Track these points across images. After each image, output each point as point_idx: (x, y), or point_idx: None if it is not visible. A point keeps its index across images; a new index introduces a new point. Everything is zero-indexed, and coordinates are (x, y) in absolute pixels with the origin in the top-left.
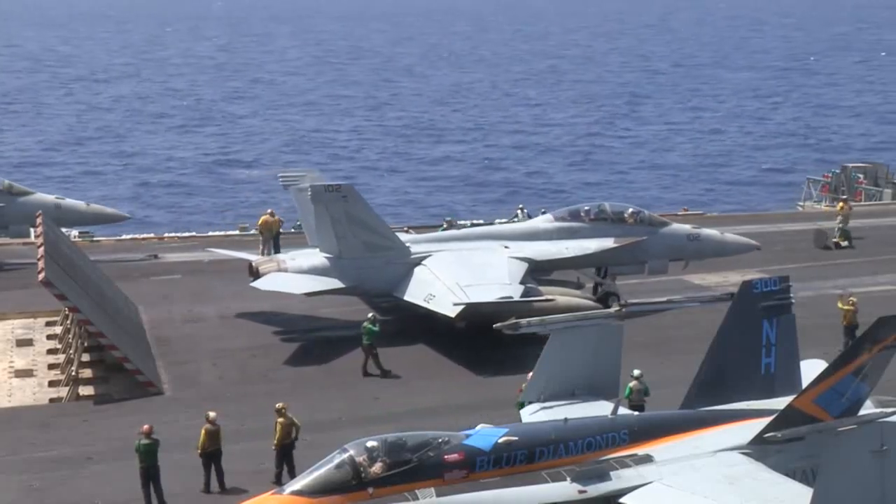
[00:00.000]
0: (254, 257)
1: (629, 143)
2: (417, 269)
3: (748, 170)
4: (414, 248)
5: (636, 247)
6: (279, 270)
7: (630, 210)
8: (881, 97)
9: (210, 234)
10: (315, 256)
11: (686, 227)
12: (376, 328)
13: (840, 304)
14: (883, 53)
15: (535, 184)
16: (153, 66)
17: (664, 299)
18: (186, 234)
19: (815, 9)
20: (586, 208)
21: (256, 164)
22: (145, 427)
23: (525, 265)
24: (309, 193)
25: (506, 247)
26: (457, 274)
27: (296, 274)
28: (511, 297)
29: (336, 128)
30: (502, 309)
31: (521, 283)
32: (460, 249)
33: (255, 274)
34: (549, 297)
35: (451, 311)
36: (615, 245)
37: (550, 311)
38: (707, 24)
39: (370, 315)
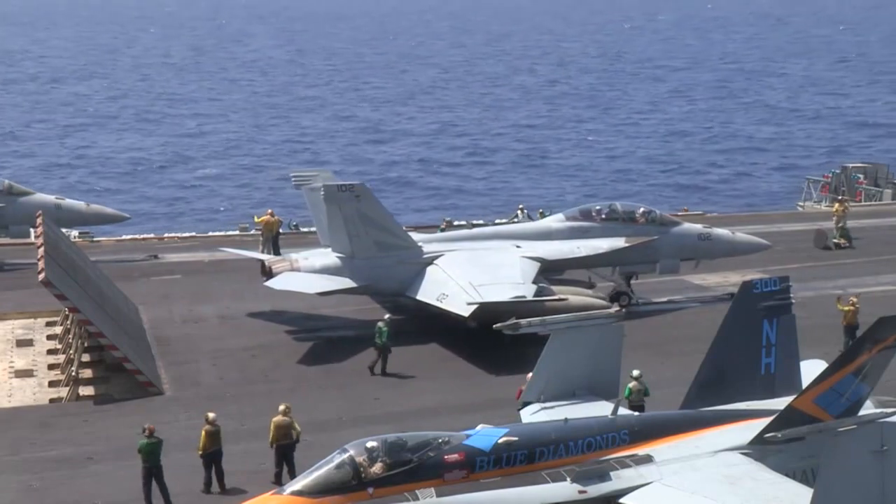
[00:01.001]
0: (267, 257)
1: (587, 144)
2: (430, 269)
3: (702, 173)
4: (426, 248)
5: (647, 246)
6: (292, 270)
7: (641, 210)
8: (850, 100)
9: (210, 234)
10: (328, 256)
11: (697, 227)
12: (385, 329)
13: (839, 306)
14: (853, 55)
15: (487, 187)
16: (122, 65)
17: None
18: (186, 234)
19: (798, 8)
20: (597, 208)
21: (204, 163)
22: (148, 426)
23: (537, 265)
24: (322, 193)
25: (517, 246)
26: (469, 273)
27: (308, 273)
28: (524, 297)
29: (292, 128)
30: (515, 308)
31: (534, 282)
32: (472, 249)
33: (268, 273)
34: (562, 296)
35: (465, 311)
36: (626, 245)
37: (563, 311)
38: (686, 27)
39: (386, 316)
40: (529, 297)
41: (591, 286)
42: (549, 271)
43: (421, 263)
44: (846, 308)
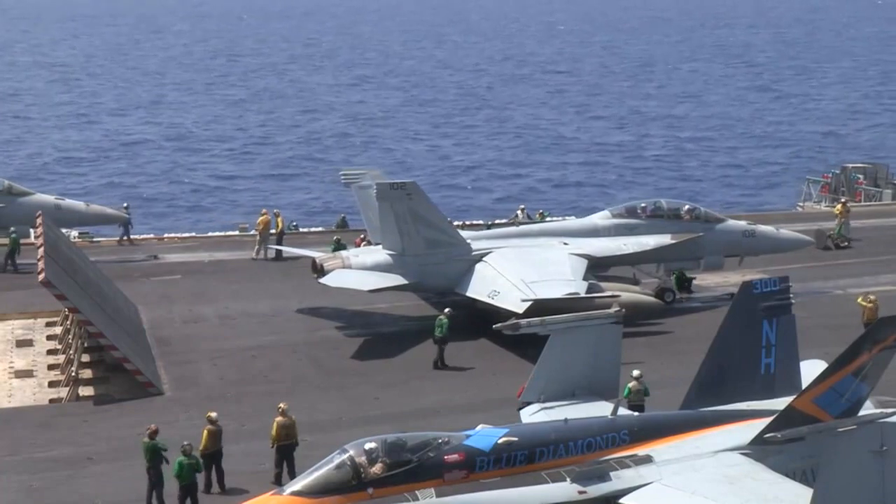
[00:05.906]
0: (317, 254)
1: (583, 142)
2: (479, 266)
3: (701, 173)
4: (475, 245)
5: (693, 243)
6: (344, 267)
7: (686, 206)
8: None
9: (210, 234)
10: (378, 253)
11: (741, 224)
12: (446, 321)
13: (861, 301)
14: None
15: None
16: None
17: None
18: (186, 235)
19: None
20: (643, 205)
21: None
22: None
23: (585, 261)
24: (374, 191)
25: (565, 243)
26: (520, 270)
27: (360, 270)
28: (578, 294)
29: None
30: (568, 305)
31: (584, 279)
32: (520, 246)
33: (319, 271)
34: (614, 293)
35: (519, 308)
36: (672, 241)
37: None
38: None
39: (446, 310)
40: (582, 294)
41: (635, 283)
42: (596, 268)
43: (470, 260)
44: (866, 304)
